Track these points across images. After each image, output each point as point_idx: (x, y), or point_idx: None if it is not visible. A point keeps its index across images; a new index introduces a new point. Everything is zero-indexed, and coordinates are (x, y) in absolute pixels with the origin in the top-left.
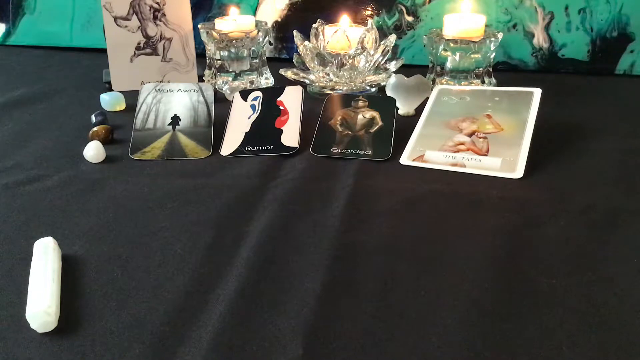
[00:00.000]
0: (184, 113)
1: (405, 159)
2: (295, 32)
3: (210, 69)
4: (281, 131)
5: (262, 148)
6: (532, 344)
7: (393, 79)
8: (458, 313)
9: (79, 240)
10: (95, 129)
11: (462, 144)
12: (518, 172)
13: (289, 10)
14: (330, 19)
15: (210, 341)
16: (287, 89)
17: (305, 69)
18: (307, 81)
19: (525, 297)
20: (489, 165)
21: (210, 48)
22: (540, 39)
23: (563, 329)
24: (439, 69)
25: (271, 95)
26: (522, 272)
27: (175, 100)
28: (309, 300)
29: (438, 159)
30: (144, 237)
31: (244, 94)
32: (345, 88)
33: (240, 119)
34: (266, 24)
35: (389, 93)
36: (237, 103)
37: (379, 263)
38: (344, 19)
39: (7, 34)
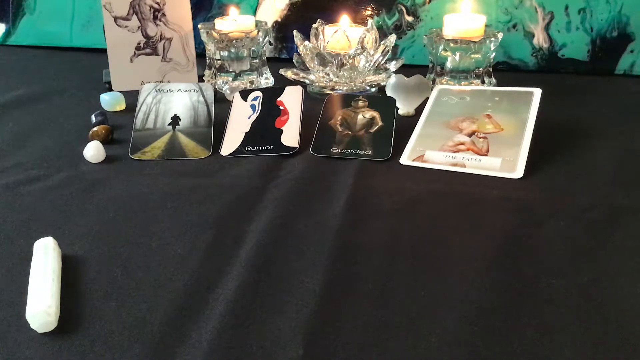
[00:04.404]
0: (184, 113)
1: (405, 159)
2: (295, 32)
3: (210, 69)
4: (281, 131)
5: (262, 148)
6: (532, 344)
7: (393, 79)
8: (458, 313)
9: (79, 240)
10: (95, 129)
11: (462, 144)
12: (518, 172)
13: (289, 10)
14: (330, 19)
15: (210, 341)
16: (287, 89)
17: (305, 69)
18: (307, 81)
19: (525, 297)
20: (489, 165)
21: (210, 48)
22: (540, 39)
23: (563, 329)
24: (439, 69)
25: (271, 95)
26: (522, 272)
27: (175, 100)
28: (309, 300)
29: (438, 159)
30: (144, 237)
31: (244, 94)
32: (345, 88)
33: (240, 119)
34: (266, 24)
35: (389, 93)
36: (237, 103)
37: (379, 263)
38: (344, 19)
39: (7, 34)
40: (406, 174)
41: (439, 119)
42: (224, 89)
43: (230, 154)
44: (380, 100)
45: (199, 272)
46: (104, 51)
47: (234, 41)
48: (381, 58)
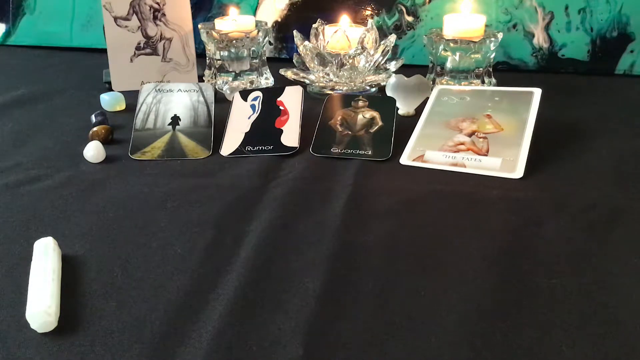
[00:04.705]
0: (184, 113)
1: (405, 159)
2: (295, 32)
3: (210, 69)
4: (281, 131)
5: (262, 148)
6: (532, 344)
7: (393, 79)
8: (458, 313)
9: (79, 240)
10: (95, 129)
11: (462, 144)
12: (518, 172)
13: (289, 10)
14: (330, 19)
15: (210, 341)
16: (287, 89)
17: (305, 69)
18: (307, 81)
19: (525, 297)
20: (489, 165)
21: (210, 48)
22: (540, 39)
23: (563, 329)
24: (439, 69)
25: (271, 95)
26: (522, 272)
27: (175, 100)
28: (309, 300)
29: (438, 159)
30: (144, 237)
31: (244, 94)
32: (345, 88)
33: (240, 119)
34: (266, 24)
35: (389, 93)
36: (237, 103)
37: (379, 263)
38: (344, 19)
39: (7, 34)
40: (406, 174)
41: (439, 119)
42: (224, 89)
43: (230, 154)
44: (380, 100)
45: (199, 272)
46: (104, 51)
47: (234, 41)
48: (381, 58)
